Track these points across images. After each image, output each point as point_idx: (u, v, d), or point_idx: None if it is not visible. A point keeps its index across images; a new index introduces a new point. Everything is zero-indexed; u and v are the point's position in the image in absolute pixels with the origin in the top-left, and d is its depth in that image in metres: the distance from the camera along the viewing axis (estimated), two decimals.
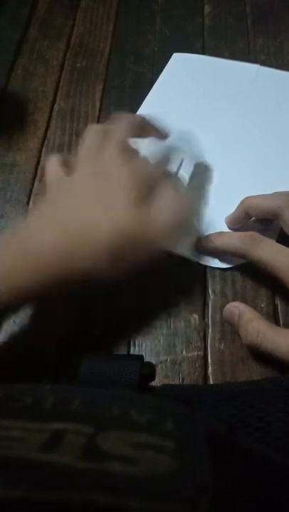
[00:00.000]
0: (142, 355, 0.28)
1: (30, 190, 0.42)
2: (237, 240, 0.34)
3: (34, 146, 0.45)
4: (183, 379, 0.32)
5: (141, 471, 0.14)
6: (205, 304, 0.35)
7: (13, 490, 0.13)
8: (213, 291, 0.35)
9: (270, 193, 0.35)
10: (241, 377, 0.32)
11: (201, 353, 0.33)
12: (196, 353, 0.33)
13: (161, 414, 0.18)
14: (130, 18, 0.54)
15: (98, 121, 0.46)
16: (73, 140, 0.45)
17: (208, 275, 0.36)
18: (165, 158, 0.36)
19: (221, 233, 0.36)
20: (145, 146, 0.36)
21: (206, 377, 0.32)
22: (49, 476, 0.14)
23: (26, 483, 0.13)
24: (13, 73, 0.50)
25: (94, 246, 0.29)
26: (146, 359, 0.32)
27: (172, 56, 0.50)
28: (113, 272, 0.30)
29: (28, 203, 0.41)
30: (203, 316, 0.34)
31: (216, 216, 0.38)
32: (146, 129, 0.37)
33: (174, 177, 0.38)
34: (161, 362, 0.33)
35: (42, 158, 0.44)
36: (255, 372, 0.32)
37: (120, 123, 0.35)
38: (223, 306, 0.34)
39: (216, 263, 0.36)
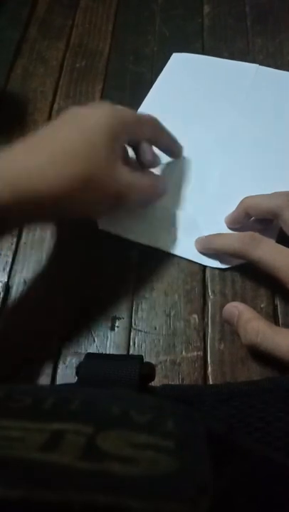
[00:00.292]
0: (142, 356, 0.28)
1: None
2: (236, 241, 0.34)
3: None
4: (182, 379, 0.32)
5: (141, 471, 0.14)
6: (205, 304, 0.35)
7: (13, 490, 0.13)
8: (213, 292, 0.35)
9: (269, 193, 0.35)
10: (241, 377, 0.32)
11: (200, 353, 0.33)
12: (195, 353, 0.33)
13: (161, 414, 0.18)
14: (130, 18, 0.54)
15: None
16: None
17: (208, 275, 0.36)
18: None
19: (221, 234, 0.36)
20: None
21: (205, 377, 0.32)
22: (49, 476, 0.14)
23: (26, 483, 0.13)
24: (13, 73, 0.50)
25: (67, 170, 0.30)
26: (146, 359, 0.32)
27: (172, 56, 0.50)
28: (78, 203, 0.31)
29: None
30: (203, 316, 0.34)
31: (216, 216, 0.38)
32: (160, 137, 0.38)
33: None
34: (160, 362, 0.33)
35: None
36: (254, 372, 0.32)
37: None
38: (222, 306, 0.34)
39: (215, 263, 0.36)
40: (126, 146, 0.37)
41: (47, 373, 0.33)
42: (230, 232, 0.38)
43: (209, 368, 0.32)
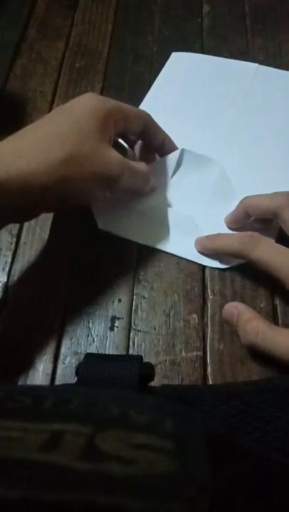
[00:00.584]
0: (141, 356, 0.28)
1: None
2: (236, 241, 0.34)
3: None
4: (182, 379, 0.32)
5: (140, 471, 0.14)
6: (204, 304, 0.35)
7: (13, 490, 0.13)
8: (212, 292, 0.35)
9: (269, 192, 0.35)
10: (240, 377, 0.32)
11: (200, 353, 0.33)
12: (195, 353, 0.33)
13: (160, 414, 0.18)
14: (129, 18, 0.54)
15: None
16: None
17: (208, 275, 0.36)
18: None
19: (220, 234, 0.36)
20: None
21: (205, 377, 0.32)
22: (49, 476, 0.14)
23: (26, 483, 0.13)
24: (12, 73, 0.50)
25: (55, 150, 0.30)
26: (146, 359, 0.32)
27: (171, 55, 0.50)
28: (68, 184, 0.31)
29: None
30: (203, 316, 0.34)
31: (216, 216, 0.38)
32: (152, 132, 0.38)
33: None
34: (160, 362, 0.33)
35: None
36: (254, 372, 0.32)
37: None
38: (222, 307, 0.34)
39: (215, 263, 0.36)
40: (122, 142, 0.37)
41: (47, 373, 0.33)
42: (230, 232, 0.38)
43: (209, 368, 0.32)
